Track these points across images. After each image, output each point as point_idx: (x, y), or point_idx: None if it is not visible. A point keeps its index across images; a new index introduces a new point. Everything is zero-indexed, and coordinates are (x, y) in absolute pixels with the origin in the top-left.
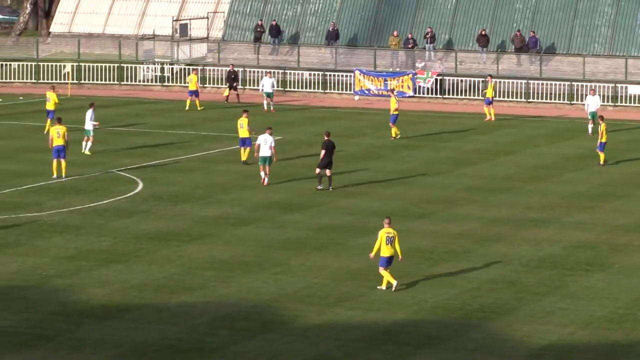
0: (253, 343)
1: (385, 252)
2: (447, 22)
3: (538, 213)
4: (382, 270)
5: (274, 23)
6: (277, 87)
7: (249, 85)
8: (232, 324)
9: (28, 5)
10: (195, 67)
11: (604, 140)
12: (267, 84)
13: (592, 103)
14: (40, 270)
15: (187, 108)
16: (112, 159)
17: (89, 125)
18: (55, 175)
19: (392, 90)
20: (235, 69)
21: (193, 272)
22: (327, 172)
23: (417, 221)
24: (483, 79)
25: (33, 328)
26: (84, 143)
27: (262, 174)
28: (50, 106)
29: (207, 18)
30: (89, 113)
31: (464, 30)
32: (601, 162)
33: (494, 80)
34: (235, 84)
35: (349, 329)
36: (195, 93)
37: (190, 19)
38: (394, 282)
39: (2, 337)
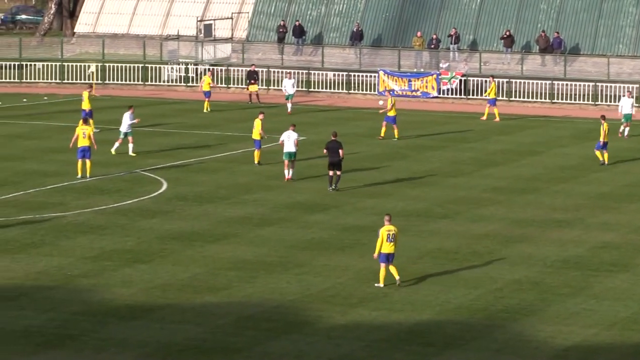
0: (277, 343)
1: (386, 248)
2: (472, 22)
3: (563, 214)
4: (382, 266)
5: (297, 23)
6: (301, 87)
7: (273, 86)
8: (256, 324)
9: (53, 6)
10: (210, 68)
11: (606, 139)
12: (288, 85)
13: (627, 105)
14: (64, 270)
15: (208, 109)
16: (136, 159)
17: (125, 127)
18: (79, 175)
19: (389, 91)
20: (257, 69)
21: (217, 272)
22: (335, 172)
23: (442, 222)
24: (507, 80)
25: (57, 328)
26: (116, 144)
27: (286, 171)
28: (85, 105)
29: (232, 18)
30: (127, 115)
31: (488, 30)
32: (604, 160)
33: (496, 80)
34: (255, 83)
35: (372, 330)
36: (207, 94)
37: (214, 20)
38: (397, 277)
39: (27, 337)
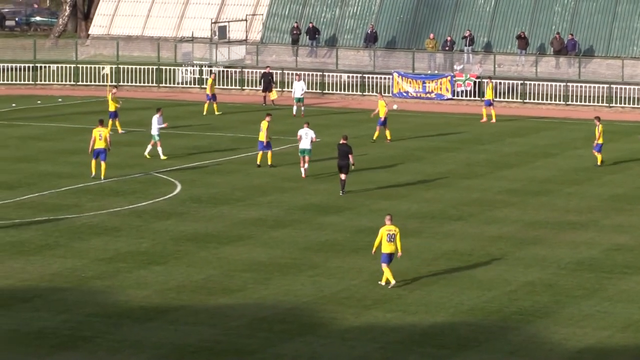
0: (291, 345)
1: (387, 248)
2: (486, 24)
3: (577, 216)
4: (383, 266)
5: (311, 25)
6: (315, 89)
7: (287, 88)
8: (270, 326)
9: (67, 8)
10: (213, 72)
11: (600, 141)
12: (297, 88)
13: None
14: (79, 271)
15: (217, 112)
16: (151, 161)
17: (155, 130)
18: (93, 174)
19: (380, 94)
20: (271, 71)
21: (231, 274)
22: (343, 176)
23: (456, 223)
24: (522, 82)
25: (72, 329)
26: (149, 147)
27: (302, 170)
28: (111, 107)
29: (246, 20)
30: (156, 118)
31: (502, 32)
32: (598, 162)
33: (493, 81)
34: (271, 86)
35: (387, 332)
36: (213, 97)
37: (228, 22)
38: (392, 281)
39: (42, 339)
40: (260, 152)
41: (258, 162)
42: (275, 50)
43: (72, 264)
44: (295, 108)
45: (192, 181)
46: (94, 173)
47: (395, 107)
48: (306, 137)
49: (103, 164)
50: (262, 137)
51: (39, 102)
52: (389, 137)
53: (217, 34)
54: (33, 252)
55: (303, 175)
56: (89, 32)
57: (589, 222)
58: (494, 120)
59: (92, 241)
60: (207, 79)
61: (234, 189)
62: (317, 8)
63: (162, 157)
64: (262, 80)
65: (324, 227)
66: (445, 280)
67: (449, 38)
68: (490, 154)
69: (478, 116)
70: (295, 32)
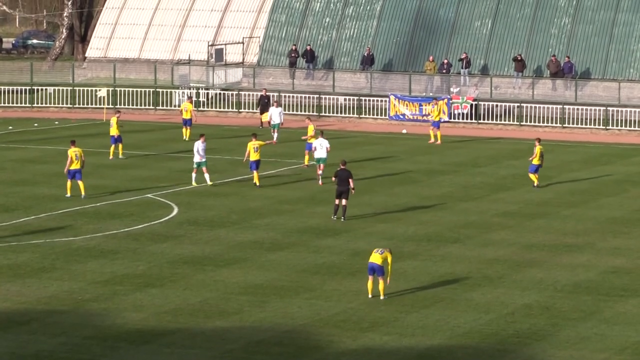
0: None
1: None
2: (483, 47)
3: (573, 238)
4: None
5: (308, 48)
6: (312, 111)
7: (285, 110)
8: (267, 349)
9: (64, 30)
10: (190, 96)
11: (536, 162)
12: (274, 114)
13: None
14: (75, 294)
15: (185, 138)
16: (148, 183)
17: (198, 157)
18: (69, 195)
19: (309, 117)
20: (268, 94)
21: (228, 296)
22: (344, 201)
23: (453, 246)
24: (518, 104)
25: (69, 352)
26: (193, 175)
27: (319, 177)
28: (113, 131)
29: (243, 43)
30: (199, 144)
31: (499, 55)
32: (535, 183)
33: (440, 101)
34: (267, 109)
35: (383, 354)
36: (188, 122)
37: (225, 44)
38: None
39: None
40: (255, 172)
41: (257, 183)
42: (271, 73)
43: (68, 286)
44: (275, 135)
45: (188, 204)
46: (69, 194)
47: (404, 131)
48: (321, 147)
49: (81, 183)
50: (255, 157)
51: (35, 124)
52: (306, 162)
53: (213, 56)
54: (30, 274)
55: (320, 182)
56: (86, 55)
57: (585, 245)
58: (439, 141)
59: (88, 264)
60: (184, 103)
61: (231, 212)
62: (314, 31)
63: (209, 182)
64: (259, 103)
65: (321, 249)
66: (442, 303)
67: (445, 61)
68: (487, 177)
69: (475, 138)
70: (293, 54)
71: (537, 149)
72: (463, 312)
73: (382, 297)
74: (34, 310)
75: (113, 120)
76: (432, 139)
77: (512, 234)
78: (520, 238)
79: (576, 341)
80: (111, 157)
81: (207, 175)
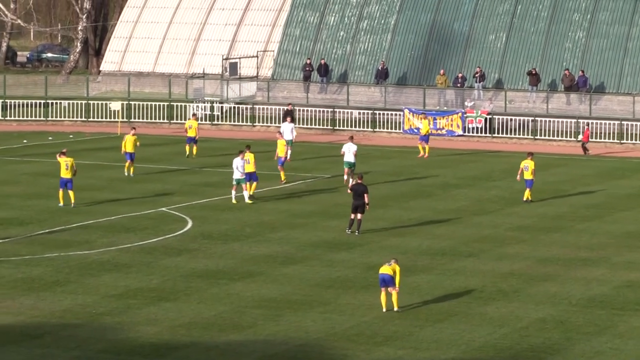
0: None
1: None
2: (497, 60)
3: (588, 252)
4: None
5: (322, 62)
6: (326, 126)
7: (299, 124)
8: None
9: (78, 44)
10: (194, 113)
11: (531, 177)
12: (286, 130)
13: None
14: (89, 308)
15: (188, 155)
16: (162, 197)
17: (238, 174)
18: (61, 204)
19: (280, 133)
20: (294, 108)
21: (242, 310)
22: (359, 215)
23: (467, 260)
24: (533, 118)
25: None
26: (233, 192)
27: (348, 179)
28: (131, 148)
29: (257, 57)
30: (238, 161)
31: (513, 69)
32: (524, 198)
33: (429, 116)
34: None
35: None
36: (193, 140)
37: (240, 58)
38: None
39: None
40: (253, 183)
41: (250, 192)
42: (286, 87)
43: (82, 300)
44: (289, 152)
45: (202, 217)
46: (62, 203)
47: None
48: (349, 151)
49: (71, 193)
50: (250, 168)
51: (50, 138)
52: (283, 178)
53: (228, 70)
54: (44, 288)
55: (350, 185)
56: (100, 69)
57: (600, 259)
58: (426, 155)
59: (102, 277)
60: (188, 121)
61: (245, 225)
62: (328, 44)
63: (247, 201)
64: (285, 117)
65: (335, 263)
66: (456, 317)
67: (460, 75)
68: (501, 191)
69: (489, 152)
70: (307, 68)
71: (525, 162)
72: (477, 326)
73: (396, 309)
74: (47, 323)
75: (128, 138)
76: (422, 153)
77: (527, 247)
78: (534, 252)
79: (590, 355)
80: (126, 173)
81: (246, 193)
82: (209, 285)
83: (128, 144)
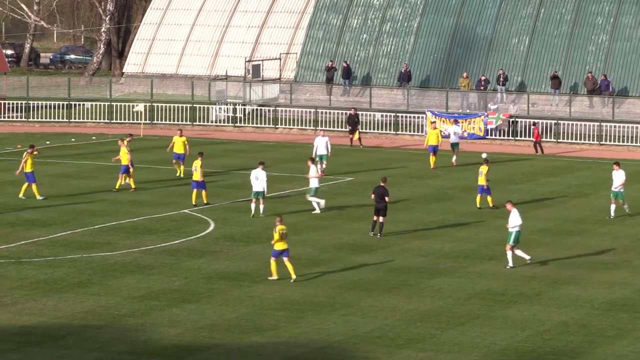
0: None
1: (279, 246)
2: (520, 63)
3: (610, 256)
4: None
5: (345, 64)
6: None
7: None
8: None
9: (102, 46)
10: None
11: (482, 183)
12: (320, 144)
13: None
14: (112, 309)
15: (180, 175)
16: (184, 199)
17: (259, 186)
18: (39, 198)
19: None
20: (357, 112)
21: (264, 312)
22: (381, 218)
23: (489, 263)
24: (555, 121)
25: None
26: (252, 205)
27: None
28: (179, 149)
29: (280, 59)
30: (260, 173)
31: (536, 72)
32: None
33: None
34: (357, 127)
35: None
36: (182, 157)
37: (262, 60)
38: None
39: None
40: (195, 191)
41: (194, 202)
42: (308, 89)
43: (105, 301)
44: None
45: (225, 219)
46: (22, 196)
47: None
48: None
49: (34, 186)
50: (196, 176)
51: (73, 139)
52: (181, 174)
53: (250, 72)
54: (66, 289)
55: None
56: (123, 70)
57: (622, 262)
58: (432, 166)
59: (125, 279)
60: (175, 137)
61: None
62: (351, 47)
63: (262, 215)
64: (348, 122)
65: (357, 266)
66: (478, 320)
67: (483, 78)
68: (524, 194)
69: (512, 155)
70: (330, 70)
71: (484, 169)
72: (499, 329)
73: (293, 278)
74: (70, 325)
75: (176, 139)
76: (432, 165)
77: (549, 250)
78: (556, 255)
79: (612, 359)
80: (178, 174)
81: (262, 207)
82: (231, 287)
83: (177, 146)
